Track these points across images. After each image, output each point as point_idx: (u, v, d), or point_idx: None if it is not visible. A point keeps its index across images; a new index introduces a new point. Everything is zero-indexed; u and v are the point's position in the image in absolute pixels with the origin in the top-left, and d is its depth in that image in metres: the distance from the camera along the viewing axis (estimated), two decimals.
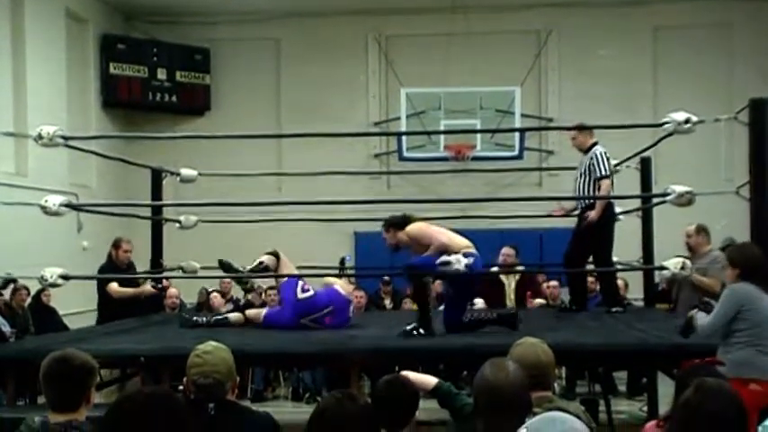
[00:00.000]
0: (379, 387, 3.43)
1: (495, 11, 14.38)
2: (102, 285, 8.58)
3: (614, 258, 8.66)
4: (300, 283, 7.33)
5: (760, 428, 2.63)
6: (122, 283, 8.57)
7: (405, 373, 3.74)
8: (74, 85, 13.07)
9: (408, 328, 6.46)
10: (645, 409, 8.50)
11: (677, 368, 5.10)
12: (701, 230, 8.12)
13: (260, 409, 3.75)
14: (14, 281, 6.29)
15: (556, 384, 5.68)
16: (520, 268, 9.44)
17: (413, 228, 6.76)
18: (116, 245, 8.75)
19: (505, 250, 9.39)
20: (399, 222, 6.85)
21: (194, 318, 7.60)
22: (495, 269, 9.31)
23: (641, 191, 8.78)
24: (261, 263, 7.44)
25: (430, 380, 3.74)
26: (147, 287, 8.76)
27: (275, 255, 7.47)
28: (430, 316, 6.57)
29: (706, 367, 4.03)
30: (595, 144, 7.96)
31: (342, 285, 7.57)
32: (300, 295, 7.21)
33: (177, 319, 7.80)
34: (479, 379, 3.06)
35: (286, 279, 7.40)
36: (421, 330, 6.44)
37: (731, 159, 12.44)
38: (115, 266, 8.64)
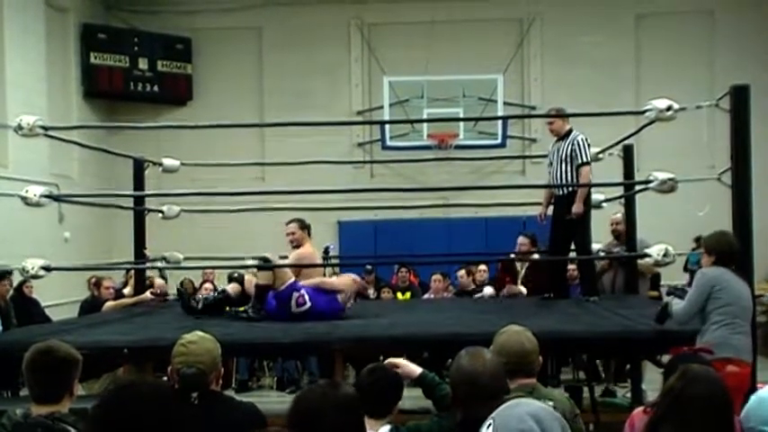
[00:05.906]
0: (362, 375, 3.44)
1: None
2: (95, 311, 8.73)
3: (598, 246, 8.69)
4: (296, 295, 6.96)
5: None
6: (115, 297, 8.87)
7: (393, 360, 3.75)
8: (54, 75, 12.95)
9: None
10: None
11: (662, 355, 5.13)
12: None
13: (244, 399, 3.74)
14: (9, 272, 6.30)
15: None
16: (535, 257, 9.20)
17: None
18: (97, 284, 9.03)
19: (521, 239, 9.16)
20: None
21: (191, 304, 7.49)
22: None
23: (624, 178, 8.78)
24: (223, 291, 7.50)
25: (415, 369, 3.76)
26: (147, 294, 8.70)
27: (239, 281, 7.45)
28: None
29: (694, 355, 4.07)
30: (571, 130, 7.94)
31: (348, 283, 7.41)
32: (294, 309, 6.92)
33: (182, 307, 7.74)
34: (456, 368, 3.07)
35: (276, 295, 7.02)
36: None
37: (713, 146, 12.44)
38: (97, 303, 8.84)
